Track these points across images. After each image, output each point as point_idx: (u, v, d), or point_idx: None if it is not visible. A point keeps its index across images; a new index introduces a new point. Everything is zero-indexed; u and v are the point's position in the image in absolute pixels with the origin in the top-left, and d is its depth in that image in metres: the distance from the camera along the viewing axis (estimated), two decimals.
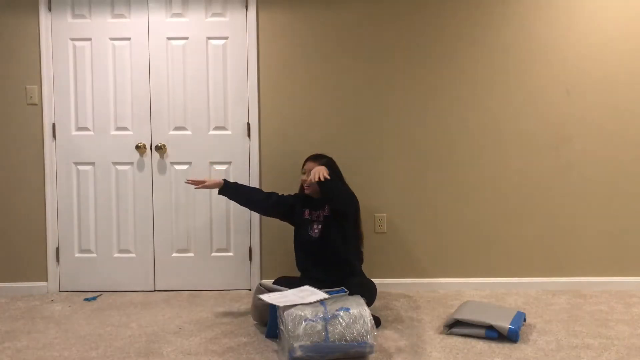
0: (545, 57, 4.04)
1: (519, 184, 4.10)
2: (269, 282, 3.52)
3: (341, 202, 3.45)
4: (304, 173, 3.62)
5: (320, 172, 3.33)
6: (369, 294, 3.37)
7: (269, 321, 3.20)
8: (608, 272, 4.11)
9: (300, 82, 4.08)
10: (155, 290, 4.14)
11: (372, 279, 3.62)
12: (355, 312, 2.91)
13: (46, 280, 4.13)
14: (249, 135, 4.09)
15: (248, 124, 4.09)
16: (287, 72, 4.07)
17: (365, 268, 3.69)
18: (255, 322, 3.44)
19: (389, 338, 3.22)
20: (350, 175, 3.76)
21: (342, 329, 2.85)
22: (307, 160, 3.64)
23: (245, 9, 4.05)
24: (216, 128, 4.10)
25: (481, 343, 3.13)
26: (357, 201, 3.56)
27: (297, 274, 3.71)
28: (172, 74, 4.07)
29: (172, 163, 4.11)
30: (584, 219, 4.10)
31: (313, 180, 3.34)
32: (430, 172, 4.10)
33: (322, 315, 2.89)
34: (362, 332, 2.86)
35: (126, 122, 4.10)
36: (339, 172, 3.63)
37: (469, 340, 3.17)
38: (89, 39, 4.07)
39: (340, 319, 2.88)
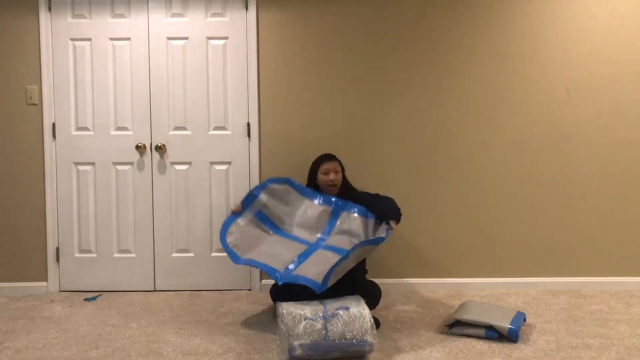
0: (546, 56, 4.04)
1: (519, 184, 4.10)
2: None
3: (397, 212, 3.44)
4: (324, 174, 3.62)
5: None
6: (376, 297, 3.47)
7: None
8: (608, 272, 4.11)
9: (300, 82, 4.08)
10: (155, 290, 4.14)
11: (372, 279, 3.63)
12: (355, 311, 2.92)
13: (46, 280, 4.13)
14: (249, 135, 4.09)
15: (248, 124, 4.09)
16: (287, 72, 4.07)
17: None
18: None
19: (389, 338, 3.22)
20: (350, 175, 3.78)
21: (342, 328, 2.85)
22: (324, 160, 3.66)
23: (245, 9, 4.05)
24: (216, 128, 4.10)
25: (481, 343, 3.13)
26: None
27: None
28: (172, 74, 4.07)
29: (172, 163, 4.11)
30: (584, 219, 4.10)
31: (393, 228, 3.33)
32: (430, 172, 4.10)
33: (322, 314, 2.90)
34: (362, 331, 2.86)
35: (126, 122, 4.10)
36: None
37: (469, 340, 3.17)
38: (89, 39, 4.07)
39: (340, 317, 2.88)
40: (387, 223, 3.32)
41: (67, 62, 4.07)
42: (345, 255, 3.07)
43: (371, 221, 3.46)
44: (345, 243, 3.38)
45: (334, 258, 3.18)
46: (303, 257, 3.34)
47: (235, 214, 3.56)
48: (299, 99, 4.08)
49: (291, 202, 3.62)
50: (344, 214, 3.51)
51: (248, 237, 3.48)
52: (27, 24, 4.03)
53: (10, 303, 3.92)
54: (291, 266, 3.25)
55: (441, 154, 4.10)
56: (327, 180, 3.61)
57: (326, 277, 3.02)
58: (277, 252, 3.40)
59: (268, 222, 3.59)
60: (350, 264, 3.16)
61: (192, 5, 4.05)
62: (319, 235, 3.52)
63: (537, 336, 3.23)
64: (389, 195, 3.55)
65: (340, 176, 3.67)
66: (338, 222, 3.51)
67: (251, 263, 3.35)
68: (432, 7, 4.03)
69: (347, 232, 3.46)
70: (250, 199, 3.59)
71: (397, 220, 3.35)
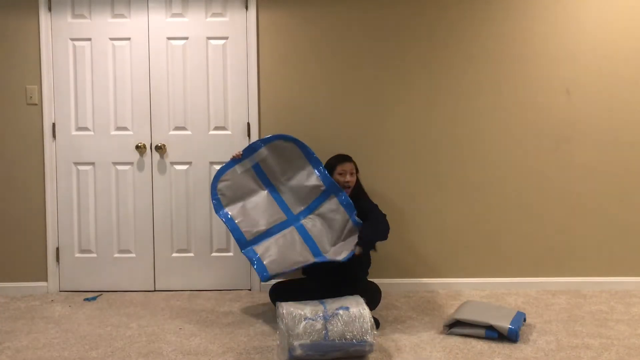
0: (546, 55, 4.04)
1: (518, 183, 4.10)
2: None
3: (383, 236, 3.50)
4: (340, 174, 3.62)
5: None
6: (376, 297, 3.49)
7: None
8: (608, 272, 4.11)
9: (300, 82, 4.08)
10: (155, 290, 4.14)
11: (372, 279, 3.63)
12: (354, 311, 2.92)
13: (46, 280, 4.13)
14: (249, 135, 4.09)
15: (248, 124, 4.09)
16: (287, 72, 4.07)
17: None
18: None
19: (389, 338, 3.22)
20: None
21: (342, 328, 2.85)
22: (341, 161, 3.66)
23: (245, 9, 4.05)
24: (216, 128, 4.10)
25: (481, 343, 3.13)
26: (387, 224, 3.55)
27: (296, 274, 3.71)
28: (172, 74, 4.07)
29: (172, 163, 4.11)
30: (584, 219, 4.10)
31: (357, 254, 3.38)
32: (430, 173, 4.10)
33: (321, 314, 2.90)
34: (362, 331, 2.86)
35: (126, 122, 4.10)
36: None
37: (469, 340, 3.18)
38: (89, 39, 4.07)
39: (340, 317, 2.88)
40: (357, 244, 3.38)
41: (67, 62, 4.07)
42: (308, 264, 3.36)
43: (350, 224, 3.52)
44: (319, 231, 3.54)
45: (300, 255, 3.44)
46: (274, 230, 3.55)
47: (236, 160, 3.62)
48: (299, 98, 4.08)
49: (294, 161, 3.64)
50: (332, 197, 3.58)
51: (238, 188, 3.61)
52: (27, 24, 4.03)
53: (10, 303, 3.92)
54: (256, 246, 3.48)
55: (441, 154, 4.10)
56: (343, 182, 3.61)
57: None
58: (256, 213, 3.57)
59: (263, 176, 3.65)
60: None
61: (192, 5, 4.05)
62: (301, 209, 3.62)
63: (537, 336, 3.23)
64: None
65: (355, 178, 3.67)
66: (324, 204, 3.59)
67: (228, 223, 3.51)
68: (433, 7, 4.03)
69: (327, 221, 3.56)
70: (250, 151, 3.63)
71: (364, 250, 3.40)
